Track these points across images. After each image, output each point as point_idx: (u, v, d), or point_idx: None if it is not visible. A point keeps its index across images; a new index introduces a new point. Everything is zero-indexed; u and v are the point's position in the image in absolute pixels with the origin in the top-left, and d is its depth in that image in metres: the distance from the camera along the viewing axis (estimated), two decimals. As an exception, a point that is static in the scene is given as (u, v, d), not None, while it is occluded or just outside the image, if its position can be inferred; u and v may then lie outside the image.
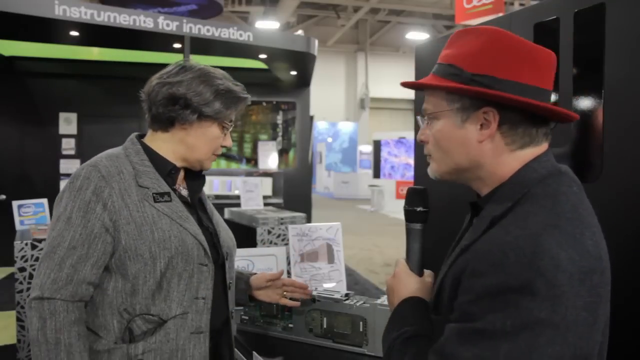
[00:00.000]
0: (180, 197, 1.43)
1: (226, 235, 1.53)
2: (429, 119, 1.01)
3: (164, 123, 1.40)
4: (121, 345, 1.29)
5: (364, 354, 1.54)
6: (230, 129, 1.47)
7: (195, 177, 1.50)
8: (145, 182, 1.36)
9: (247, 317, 1.75)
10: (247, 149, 8.07)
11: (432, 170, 1.03)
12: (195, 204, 1.48)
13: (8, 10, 4.42)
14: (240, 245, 2.24)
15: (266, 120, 8.15)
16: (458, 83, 0.94)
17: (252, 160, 7.99)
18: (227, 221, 4.78)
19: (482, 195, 0.99)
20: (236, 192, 6.90)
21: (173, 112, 1.37)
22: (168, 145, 1.42)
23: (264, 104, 8.08)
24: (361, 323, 1.55)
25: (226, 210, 4.48)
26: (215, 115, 1.40)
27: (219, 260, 1.45)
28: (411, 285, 1.06)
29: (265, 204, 4.62)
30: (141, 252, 1.28)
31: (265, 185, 7.22)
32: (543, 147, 0.96)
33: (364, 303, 1.57)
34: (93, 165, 1.33)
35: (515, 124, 0.93)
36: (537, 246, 0.79)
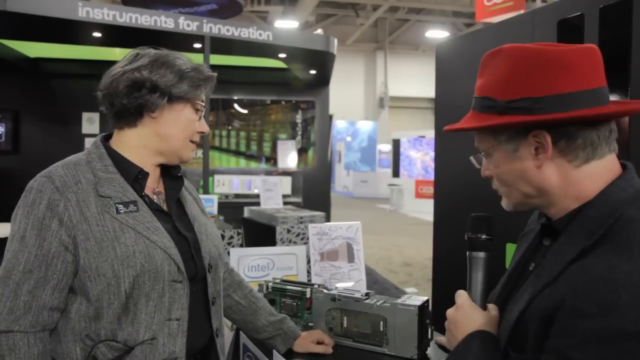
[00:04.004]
0: (152, 203, 1.29)
1: (210, 244, 1.37)
2: (484, 155, 0.98)
3: (131, 115, 1.26)
4: None
5: (384, 353, 1.54)
6: (204, 112, 1.35)
7: (173, 177, 1.38)
8: (108, 191, 1.21)
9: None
10: (267, 148, 8.09)
11: (505, 205, 0.99)
12: (171, 210, 1.33)
13: (33, 13, 4.50)
14: (260, 244, 2.25)
15: (285, 119, 8.16)
16: (495, 115, 0.89)
17: (272, 159, 8.01)
18: (246, 220, 4.74)
19: (556, 217, 0.93)
20: (255, 191, 6.93)
21: (140, 98, 1.24)
22: (138, 142, 1.28)
23: (283, 103, 8.09)
24: (382, 322, 1.55)
25: (246, 209, 4.50)
26: (185, 95, 1.28)
27: (199, 274, 1.31)
28: (478, 319, 0.98)
29: (285, 203, 4.62)
30: (103, 272, 1.15)
31: (285, 184, 7.23)
32: (611, 157, 0.89)
33: (384, 302, 1.56)
34: (46, 176, 1.19)
35: (572, 137, 0.87)
36: None
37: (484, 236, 1.05)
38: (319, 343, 1.58)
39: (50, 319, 1.16)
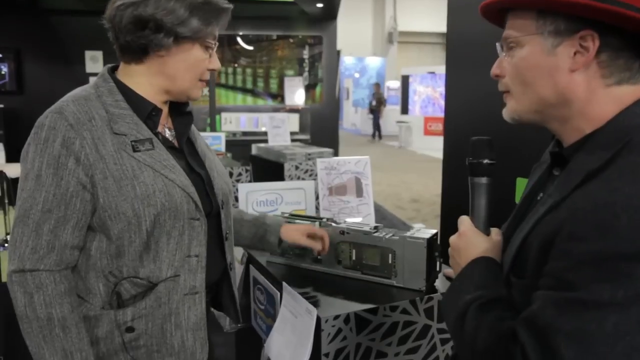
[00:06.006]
0: (165, 141, 1.26)
1: (221, 180, 1.37)
2: (509, 47, 0.89)
3: (136, 53, 1.20)
4: (108, 311, 1.18)
5: (392, 285, 1.55)
6: (215, 48, 1.27)
7: (182, 113, 1.33)
8: (122, 128, 1.17)
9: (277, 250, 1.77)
10: (274, 85, 7.98)
11: (509, 111, 0.91)
12: (183, 147, 1.32)
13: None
14: (268, 180, 2.24)
15: (292, 55, 7.99)
16: None
17: (279, 96, 7.91)
18: (254, 157, 4.76)
19: (568, 143, 0.88)
20: (263, 129, 6.90)
21: (143, 38, 1.17)
22: (145, 79, 1.23)
23: (290, 39, 7.90)
24: (390, 255, 1.55)
25: (253, 147, 4.49)
26: (194, 35, 1.19)
27: (213, 211, 1.32)
28: (481, 244, 0.96)
29: (292, 140, 4.60)
30: (123, 211, 1.14)
31: (292, 122, 7.18)
32: None
33: (393, 235, 1.56)
34: (58, 112, 1.13)
35: (616, 53, 0.80)
36: None
37: (486, 161, 1.01)
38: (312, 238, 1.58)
39: (72, 257, 1.16)
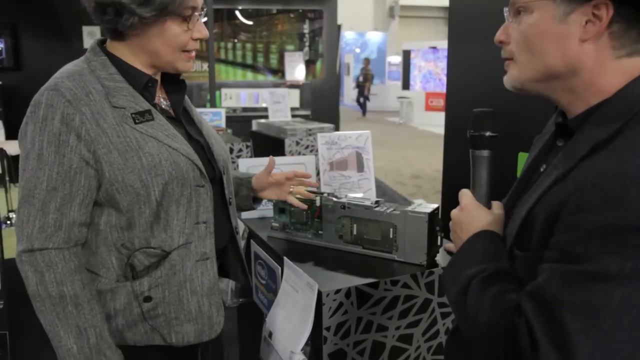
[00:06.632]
0: (162, 111, 1.26)
1: (219, 147, 1.38)
2: (517, 13, 0.86)
3: (114, 34, 1.19)
4: (124, 282, 1.20)
5: (393, 259, 1.55)
6: (199, 15, 1.22)
7: (174, 83, 1.32)
8: (120, 102, 1.16)
9: (277, 225, 1.77)
10: (274, 60, 7.90)
11: (511, 78, 0.89)
12: (180, 117, 1.32)
13: None
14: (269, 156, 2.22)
15: (292, 30, 7.90)
16: None
17: (279, 72, 7.85)
18: (255, 133, 4.74)
19: (573, 114, 0.86)
20: (263, 105, 6.85)
21: (109, 22, 1.15)
22: (130, 54, 1.21)
23: (291, 14, 7.79)
24: (391, 230, 1.55)
25: (254, 122, 4.47)
26: (161, 12, 1.14)
27: (216, 176, 1.33)
28: (483, 218, 0.95)
29: (293, 116, 4.58)
30: (131, 183, 1.14)
31: (293, 97, 7.13)
32: None
33: (394, 210, 1.56)
34: (54, 89, 1.12)
35: (629, 24, 0.78)
36: None
37: (488, 133, 0.99)
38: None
39: (80, 234, 1.16)
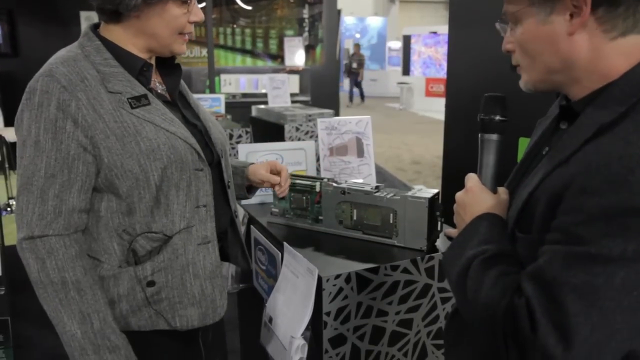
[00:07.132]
0: (159, 96, 1.26)
1: (217, 131, 1.37)
2: (511, 24, 0.89)
3: (111, 15, 1.18)
4: (127, 268, 1.20)
5: (393, 245, 1.55)
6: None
7: (170, 66, 1.32)
8: (116, 87, 1.16)
9: (277, 210, 1.77)
10: (273, 45, 7.85)
11: (523, 82, 0.91)
12: (176, 101, 1.31)
13: None
14: (269, 142, 2.21)
15: (292, 14, 7.84)
16: None
17: (279, 57, 7.80)
18: (254, 119, 4.72)
19: (577, 98, 0.86)
20: (263, 91, 6.82)
21: (111, 3, 1.14)
22: (126, 37, 1.20)
23: (289, -2, 7.73)
24: (391, 215, 1.55)
25: (253, 108, 4.45)
26: None
27: (214, 160, 1.33)
28: (487, 201, 0.95)
29: (293, 102, 4.55)
30: (129, 168, 1.14)
31: (292, 83, 7.09)
32: None
33: (394, 195, 1.55)
34: (49, 75, 1.11)
35: (612, 4, 0.77)
36: None
37: (497, 117, 1.00)
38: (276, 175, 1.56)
39: (80, 220, 1.16)
